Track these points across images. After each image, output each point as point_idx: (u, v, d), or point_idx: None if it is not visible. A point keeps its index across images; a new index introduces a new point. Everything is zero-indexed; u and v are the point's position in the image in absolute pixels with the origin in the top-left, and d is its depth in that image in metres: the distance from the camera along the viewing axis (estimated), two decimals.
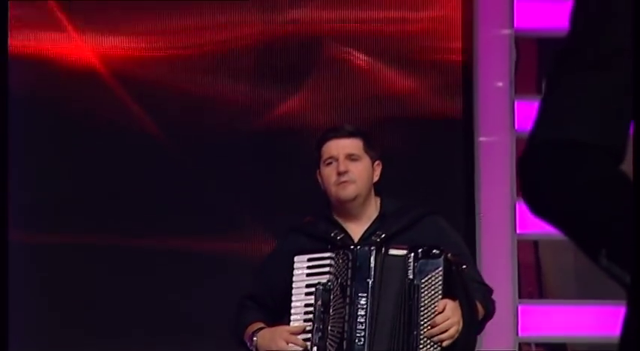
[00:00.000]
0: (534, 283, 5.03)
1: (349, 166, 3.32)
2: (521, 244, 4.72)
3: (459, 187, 4.88)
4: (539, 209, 1.35)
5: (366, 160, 3.37)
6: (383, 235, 3.31)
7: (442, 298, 3.16)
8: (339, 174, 3.30)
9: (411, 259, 3.21)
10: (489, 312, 3.34)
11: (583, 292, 4.75)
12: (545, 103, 1.39)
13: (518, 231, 4.74)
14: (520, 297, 4.64)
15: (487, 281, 3.70)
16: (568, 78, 1.40)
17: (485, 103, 4.79)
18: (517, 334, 4.67)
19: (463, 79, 4.94)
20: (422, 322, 3.16)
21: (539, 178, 1.36)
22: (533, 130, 1.39)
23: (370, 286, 3.22)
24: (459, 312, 3.16)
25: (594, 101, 1.39)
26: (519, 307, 4.61)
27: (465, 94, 4.90)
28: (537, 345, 4.87)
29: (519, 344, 4.71)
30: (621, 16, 1.36)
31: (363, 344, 3.18)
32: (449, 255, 3.20)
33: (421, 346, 3.14)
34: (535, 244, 4.89)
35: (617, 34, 1.38)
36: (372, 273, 3.24)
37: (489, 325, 3.79)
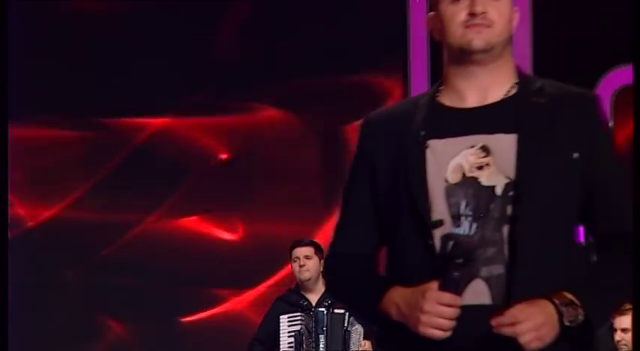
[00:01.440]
0: None
1: (306, 262, 5.67)
2: None
3: None
4: None
5: (315, 259, 5.64)
6: (329, 302, 5.67)
7: (364, 339, 5.71)
8: (300, 268, 5.68)
9: (346, 316, 5.62)
10: None
11: None
12: None
13: None
14: None
15: None
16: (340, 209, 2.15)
17: None
18: None
19: None
20: None
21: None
22: None
23: (325, 331, 5.63)
24: (372, 347, 5.74)
25: (345, 225, 2.11)
26: None
27: None
28: None
29: None
30: (361, 175, 2.05)
31: None
32: None
33: None
34: None
35: (358, 182, 2.06)
36: (326, 324, 5.63)
37: None
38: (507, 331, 1.85)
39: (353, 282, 2.10)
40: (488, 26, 2.02)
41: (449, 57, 2.09)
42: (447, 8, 2.03)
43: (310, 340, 5.74)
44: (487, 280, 1.94)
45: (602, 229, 2.03)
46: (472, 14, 2.01)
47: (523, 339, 1.85)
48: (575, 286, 1.94)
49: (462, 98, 2.03)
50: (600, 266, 2.03)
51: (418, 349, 1.93)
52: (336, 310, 5.76)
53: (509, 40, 2.08)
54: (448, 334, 1.88)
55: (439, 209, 1.97)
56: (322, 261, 5.81)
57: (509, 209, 1.96)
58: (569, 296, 1.90)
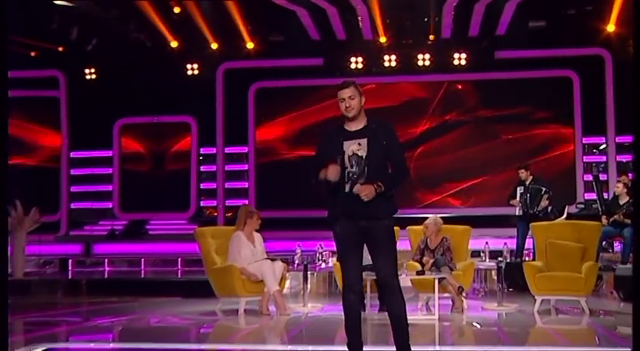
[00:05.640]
0: None
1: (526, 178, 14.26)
2: None
3: None
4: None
5: (526, 172, 14.24)
6: (534, 183, 13.73)
7: (546, 199, 13.79)
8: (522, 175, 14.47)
9: (542, 190, 13.69)
10: None
11: None
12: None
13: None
14: None
15: None
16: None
17: None
18: None
19: None
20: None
21: None
22: None
23: (530, 194, 13.79)
24: (548, 202, 14.01)
25: (316, 157, 5.99)
26: None
27: None
28: None
29: None
30: (322, 146, 6.08)
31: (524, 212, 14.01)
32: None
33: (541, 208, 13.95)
34: None
35: (320, 148, 6.09)
36: (530, 190, 13.77)
37: None
38: (356, 191, 5.73)
39: (318, 171, 5.77)
40: (352, 108, 5.84)
41: (343, 116, 5.93)
42: (340, 104, 5.87)
43: (525, 198, 13.68)
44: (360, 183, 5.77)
45: (392, 163, 5.86)
46: (345, 107, 5.83)
47: (362, 194, 5.70)
48: (381, 180, 5.75)
49: (350, 127, 5.88)
50: (391, 174, 5.87)
51: (334, 191, 5.81)
52: (535, 186, 13.61)
53: (362, 108, 5.88)
54: (336, 179, 5.72)
55: (346, 162, 5.82)
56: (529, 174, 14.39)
57: (366, 163, 5.79)
58: (379, 183, 5.73)
